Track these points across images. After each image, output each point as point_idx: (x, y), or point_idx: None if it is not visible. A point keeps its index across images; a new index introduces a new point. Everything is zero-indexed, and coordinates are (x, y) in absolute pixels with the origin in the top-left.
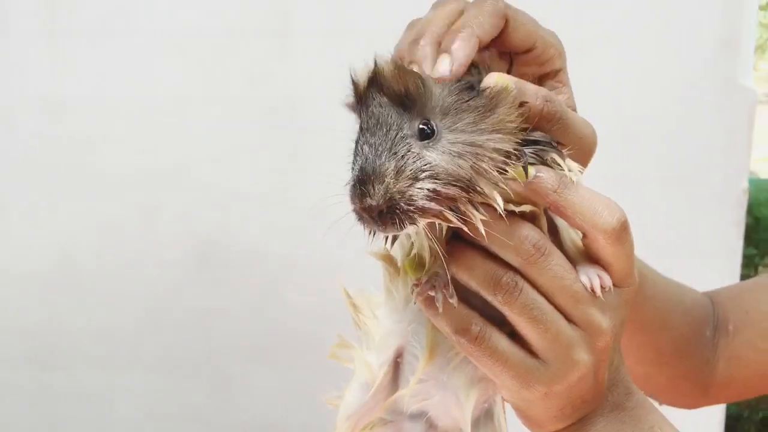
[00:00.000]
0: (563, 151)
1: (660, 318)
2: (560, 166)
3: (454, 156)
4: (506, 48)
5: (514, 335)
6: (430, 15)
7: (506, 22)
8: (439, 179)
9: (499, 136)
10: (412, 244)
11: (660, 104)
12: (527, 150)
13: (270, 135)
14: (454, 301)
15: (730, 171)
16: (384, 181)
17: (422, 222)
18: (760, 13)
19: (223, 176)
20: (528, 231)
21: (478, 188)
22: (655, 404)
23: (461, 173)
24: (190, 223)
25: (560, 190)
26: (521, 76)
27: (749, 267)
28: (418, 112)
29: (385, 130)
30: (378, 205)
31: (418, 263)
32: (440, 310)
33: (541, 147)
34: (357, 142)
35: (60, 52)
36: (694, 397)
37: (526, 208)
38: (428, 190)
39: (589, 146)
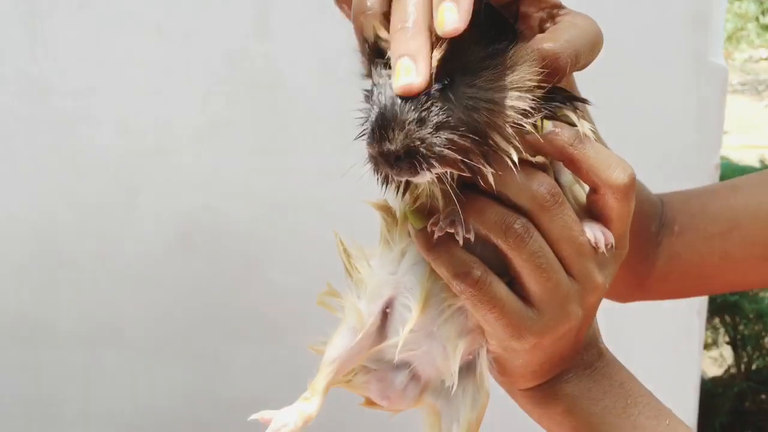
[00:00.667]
0: (577, 109)
1: None
2: (573, 123)
3: (470, 110)
4: None
5: (510, 285)
6: None
7: None
8: (455, 130)
9: (517, 93)
10: (417, 196)
11: (632, 81)
12: (543, 106)
13: (251, 115)
14: (471, 236)
15: (702, 146)
16: (404, 127)
17: (437, 170)
18: (735, 3)
19: (204, 156)
20: (545, 178)
21: (491, 142)
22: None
23: (476, 126)
24: (172, 203)
25: (576, 144)
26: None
27: None
28: (437, 67)
29: None
30: (396, 150)
31: (422, 212)
32: (461, 243)
33: (557, 104)
34: (373, 93)
35: (39, 31)
36: (629, 288)
37: (541, 159)
38: (445, 138)
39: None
